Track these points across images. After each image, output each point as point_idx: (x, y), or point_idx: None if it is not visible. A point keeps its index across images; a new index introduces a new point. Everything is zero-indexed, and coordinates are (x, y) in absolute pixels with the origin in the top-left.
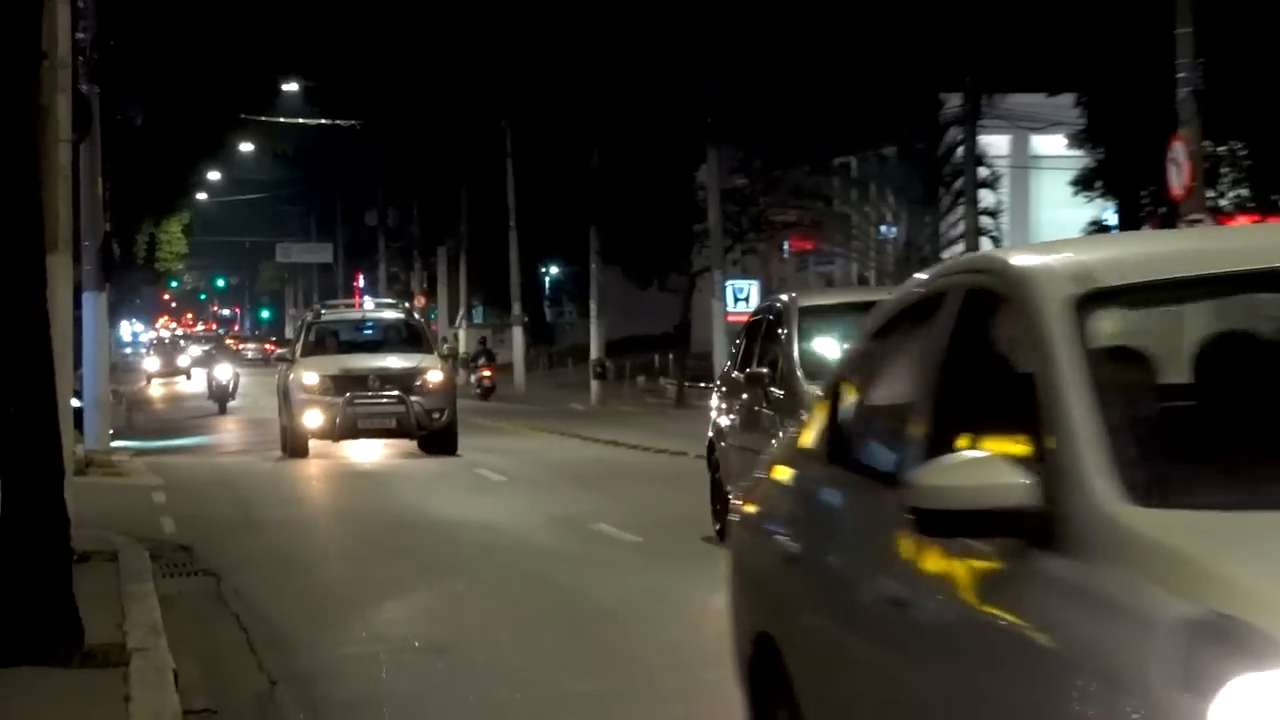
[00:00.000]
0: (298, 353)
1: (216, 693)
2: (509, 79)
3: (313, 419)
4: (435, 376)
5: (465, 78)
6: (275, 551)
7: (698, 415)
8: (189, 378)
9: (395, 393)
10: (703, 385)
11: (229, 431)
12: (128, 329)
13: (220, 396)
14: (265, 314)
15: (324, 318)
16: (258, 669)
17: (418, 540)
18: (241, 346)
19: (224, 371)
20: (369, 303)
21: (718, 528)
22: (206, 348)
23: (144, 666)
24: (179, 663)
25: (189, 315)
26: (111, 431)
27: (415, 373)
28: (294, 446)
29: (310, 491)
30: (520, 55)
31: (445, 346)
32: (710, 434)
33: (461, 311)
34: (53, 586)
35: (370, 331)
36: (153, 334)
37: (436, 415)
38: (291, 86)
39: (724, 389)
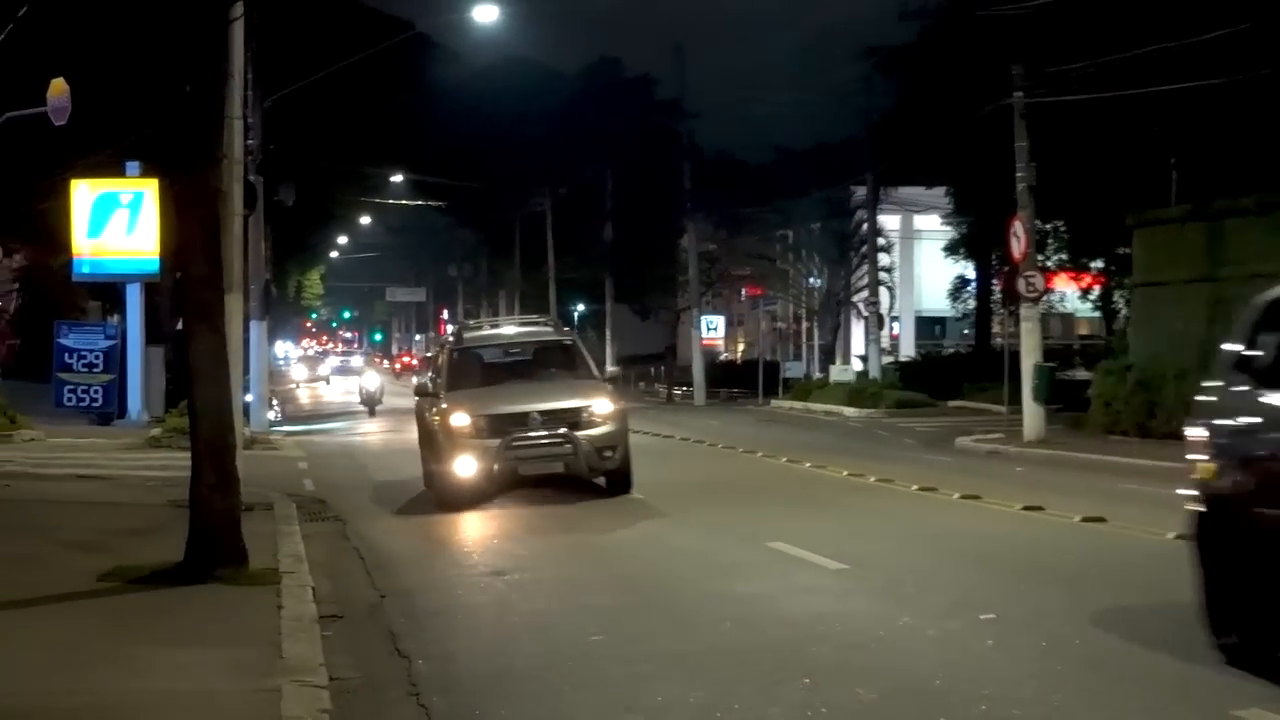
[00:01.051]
0: (442, 384)
1: (342, 602)
2: (551, 177)
3: (465, 467)
4: (604, 408)
5: (520, 174)
6: (384, 503)
7: (681, 409)
8: (328, 383)
9: (561, 430)
10: (685, 388)
11: (368, 424)
12: (281, 348)
13: (369, 402)
14: (378, 337)
15: (467, 340)
16: (371, 586)
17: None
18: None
19: (372, 381)
20: (513, 322)
21: (1231, 642)
22: (344, 361)
23: (291, 584)
24: (316, 581)
25: (324, 337)
26: (281, 418)
27: (582, 405)
28: (444, 497)
29: (409, 462)
30: (558, 160)
31: (611, 368)
32: (1205, 493)
33: None
34: (228, 528)
35: (521, 354)
36: (300, 350)
37: (608, 454)
38: (397, 177)
39: (1240, 421)
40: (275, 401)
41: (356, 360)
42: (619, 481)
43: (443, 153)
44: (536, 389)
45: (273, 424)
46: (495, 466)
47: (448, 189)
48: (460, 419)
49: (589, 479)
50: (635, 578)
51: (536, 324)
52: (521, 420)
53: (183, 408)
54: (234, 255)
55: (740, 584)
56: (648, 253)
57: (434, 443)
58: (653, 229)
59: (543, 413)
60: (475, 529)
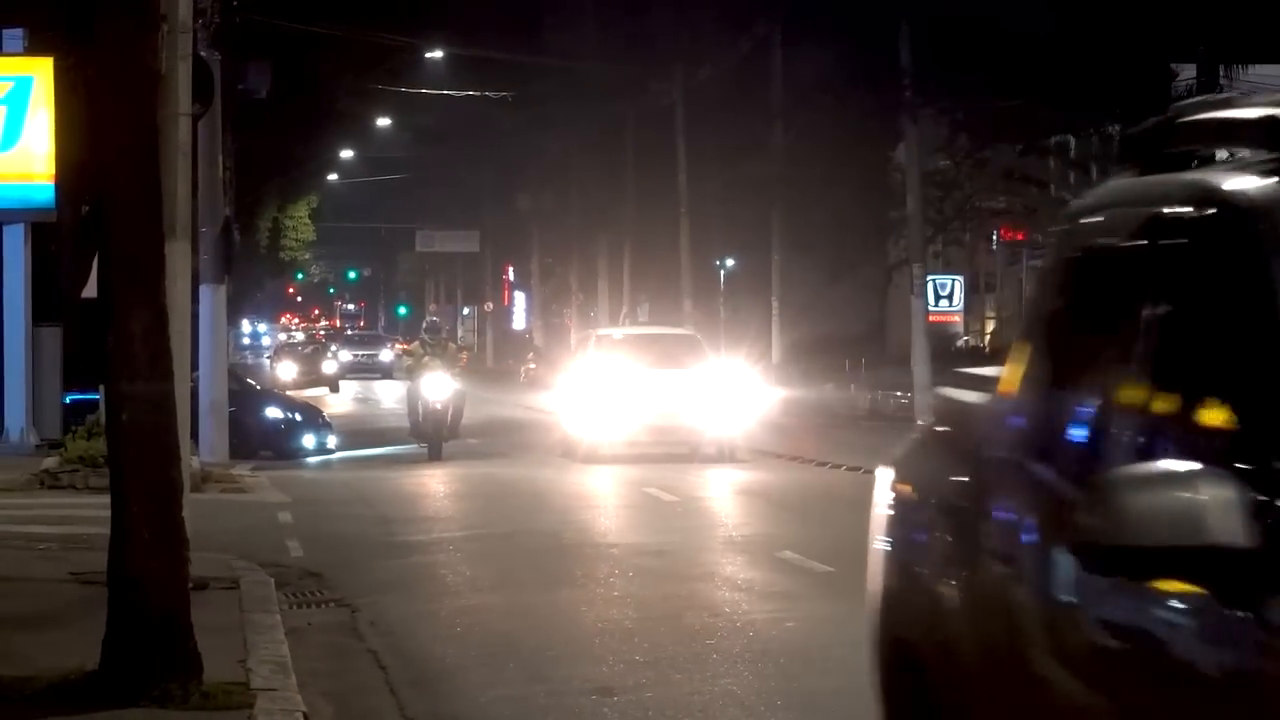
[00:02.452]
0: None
1: None
2: (685, 49)
3: None
4: None
5: (636, 44)
6: (418, 578)
7: (891, 426)
8: (335, 390)
9: None
10: (901, 393)
11: (424, 466)
12: (249, 329)
13: (432, 431)
14: (402, 310)
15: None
16: (399, 712)
17: (575, 562)
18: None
19: (438, 388)
20: None
21: None
22: (364, 355)
23: (269, 708)
24: (309, 704)
25: (316, 311)
26: (334, 445)
27: None
28: None
29: (456, 508)
30: (697, 21)
31: None
32: None
33: (625, 309)
34: (168, 617)
35: None
36: (282, 334)
37: None
38: (436, 54)
39: None
40: (321, 409)
41: (385, 355)
42: None
43: (512, 12)
44: None
45: (325, 452)
46: None
47: (518, 72)
48: None
49: None
50: (826, 695)
51: None
52: None
53: (94, 424)
54: (178, 179)
55: None
56: (841, 174)
57: None
58: (847, 132)
59: None
60: (567, 619)
